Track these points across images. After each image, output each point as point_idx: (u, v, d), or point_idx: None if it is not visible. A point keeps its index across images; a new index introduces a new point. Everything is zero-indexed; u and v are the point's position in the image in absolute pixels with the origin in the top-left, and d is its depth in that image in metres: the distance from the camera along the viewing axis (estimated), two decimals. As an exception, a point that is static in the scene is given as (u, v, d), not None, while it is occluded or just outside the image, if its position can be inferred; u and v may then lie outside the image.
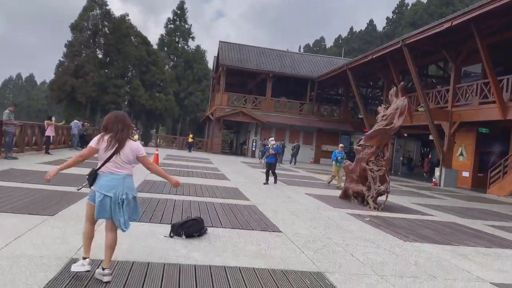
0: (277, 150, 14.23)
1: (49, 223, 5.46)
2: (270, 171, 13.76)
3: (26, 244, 4.47)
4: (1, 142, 13.10)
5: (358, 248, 5.94)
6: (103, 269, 3.68)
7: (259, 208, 8.54)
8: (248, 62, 36.30)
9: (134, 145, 3.83)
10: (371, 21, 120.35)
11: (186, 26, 71.17)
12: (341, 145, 15.94)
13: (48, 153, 16.24)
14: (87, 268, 3.68)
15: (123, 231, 3.73)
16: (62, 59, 55.71)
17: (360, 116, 29.96)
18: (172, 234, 5.33)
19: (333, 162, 15.33)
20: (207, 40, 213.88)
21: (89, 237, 3.81)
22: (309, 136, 35.22)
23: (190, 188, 10.61)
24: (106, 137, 3.71)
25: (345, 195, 11.70)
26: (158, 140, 42.76)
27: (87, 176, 3.77)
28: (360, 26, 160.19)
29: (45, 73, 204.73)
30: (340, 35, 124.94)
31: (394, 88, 12.04)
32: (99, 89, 53.67)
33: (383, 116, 11.57)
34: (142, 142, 29.43)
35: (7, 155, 13.05)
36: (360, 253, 5.69)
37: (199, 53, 72.02)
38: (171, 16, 70.35)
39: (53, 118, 17.08)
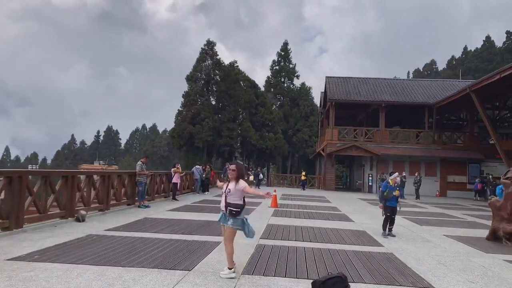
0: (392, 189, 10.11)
1: (189, 279, 5.41)
2: (391, 218, 10.24)
3: (171, 305, 4.41)
4: (135, 191, 14.17)
5: (540, 311, 4.82)
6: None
7: (397, 255, 7.69)
8: (357, 94, 35.40)
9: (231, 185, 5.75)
10: (487, 38, 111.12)
11: (291, 66, 72.99)
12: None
13: (175, 199, 17.21)
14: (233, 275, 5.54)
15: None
16: (180, 109, 60.64)
17: (491, 142, 26.79)
18: (314, 294, 4.88)
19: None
20: (311, 76, 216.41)
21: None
22: (432, 167, 32.48)
23: (315, 232, 10.12)
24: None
25: (494, 237, 10.13)
26: (270, 179, 43.15)
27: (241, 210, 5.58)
28: (475, 44, 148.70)
29: (165, 122, 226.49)
30: (453, 56, 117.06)
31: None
32: (214, 133, 57.01)
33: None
34: (255, 181, 29.98)
35: (140, 204, 14.05)
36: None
37: (304, 90, 73.00)
38: (275, 58, 72.88)
39: (177, 165, 18.18)
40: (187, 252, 7.12)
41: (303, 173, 33.57)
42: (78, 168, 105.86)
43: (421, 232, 11.06)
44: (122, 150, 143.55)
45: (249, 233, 5.57)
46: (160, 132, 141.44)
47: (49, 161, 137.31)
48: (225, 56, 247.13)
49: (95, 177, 11.55)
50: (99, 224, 9.79)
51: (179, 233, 9.05)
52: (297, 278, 5.70)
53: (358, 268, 6.51)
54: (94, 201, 11.36)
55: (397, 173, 10.91)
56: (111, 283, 5.04)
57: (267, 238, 8.90)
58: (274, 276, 5.74)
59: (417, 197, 25.90)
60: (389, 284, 5.61)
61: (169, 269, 5.88)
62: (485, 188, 29.05)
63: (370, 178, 32.76)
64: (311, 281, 5.16)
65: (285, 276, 5.75)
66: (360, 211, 16.42)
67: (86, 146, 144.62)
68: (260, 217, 12.75)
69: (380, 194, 10.58)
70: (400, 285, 5.61)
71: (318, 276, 5.77)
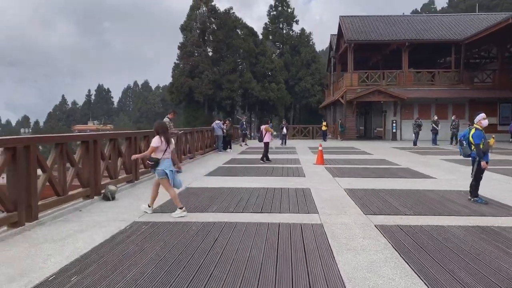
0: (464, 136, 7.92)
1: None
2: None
3: None
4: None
5: None
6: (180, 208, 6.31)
7: None
8: (376, 34, 32.18)
9: (173, 142, 6.66)
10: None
11: (289, 10, 68.43)
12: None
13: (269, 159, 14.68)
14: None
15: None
16: (177, 61, 56.97)
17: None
18: None
19: None
20: (303, 24, 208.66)
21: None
22: (460, 109, 29.96)
23: (416, 198, 7.73)
24: (162, 138, 6.28)
25: None
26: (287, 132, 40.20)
27: (152, 163, 6.29)
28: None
29: (158, 79, 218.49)
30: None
31: None
32: (214, 86, 53.87)
33: None
34: (275, 133, 27.68)
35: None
36: None
37: (304, 36, 68.91)
38: (272, 2, 68.12)
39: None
40: (293, 250, 4.68)
41: (324, 123, 31.03)
42: (72, 129, 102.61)
43: (539, 189, 8.73)
44: (116, 109, 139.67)
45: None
46: (153, 88, 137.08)
47: (41, 124, 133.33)
48: (218, 4, 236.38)
49: (120, 140, 8.91)
50: (136, 203, 7.29)
51: (246, 211, 6.60)
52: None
53: None
54: (121, 170, 8.80)
55: (483, 114, 7.98)
56: None
57: (375, 214, 6.46)
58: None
59: (455, 142, 23.66)
60: None
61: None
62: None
63: (394, 124, 30.41)
64: None
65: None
66: (420, 164, 14.03)
67: (78, 106, 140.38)
68: (323, 180, 10.33)
69: (477, 150, 7.40)
70: None
71: None
